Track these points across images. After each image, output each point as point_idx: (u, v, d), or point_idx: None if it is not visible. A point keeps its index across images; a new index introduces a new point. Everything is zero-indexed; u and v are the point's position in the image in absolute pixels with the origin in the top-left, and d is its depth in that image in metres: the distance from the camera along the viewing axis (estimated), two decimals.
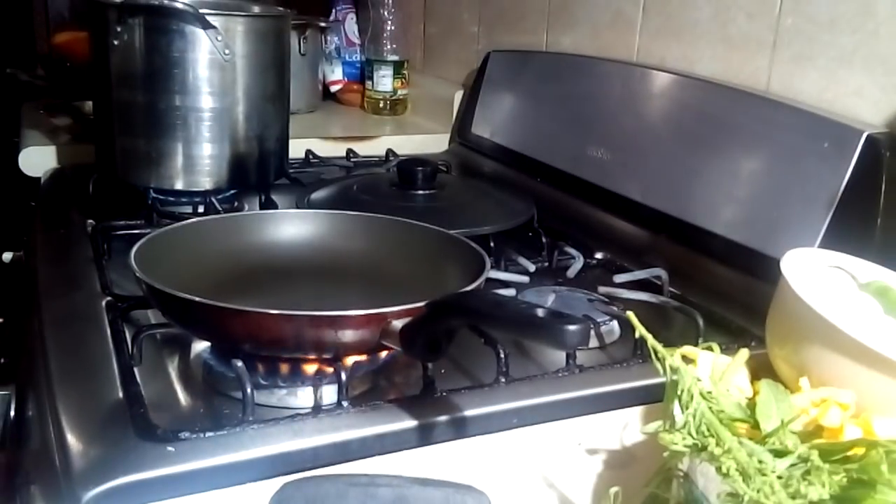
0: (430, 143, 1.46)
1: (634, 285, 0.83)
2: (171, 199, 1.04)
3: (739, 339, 0.72)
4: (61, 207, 1.02)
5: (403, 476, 0.48)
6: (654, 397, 0.60)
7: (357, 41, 1.76)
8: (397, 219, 0.78)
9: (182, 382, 0.63)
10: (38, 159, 1.21)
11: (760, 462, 0.41)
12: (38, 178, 1.18)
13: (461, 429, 0.58)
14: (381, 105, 1.62)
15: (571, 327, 0.44)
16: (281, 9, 1.09)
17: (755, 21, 0.92)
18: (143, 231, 0.84)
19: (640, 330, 0.51)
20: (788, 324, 0.57)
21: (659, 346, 0.49)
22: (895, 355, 0.49)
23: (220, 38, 0.97)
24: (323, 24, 1.65)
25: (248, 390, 0.55)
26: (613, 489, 0.49)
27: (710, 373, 0.53)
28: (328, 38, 1.71)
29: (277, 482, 0.50)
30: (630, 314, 0.53)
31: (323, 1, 1.78)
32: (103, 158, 1.06)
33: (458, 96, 1.47)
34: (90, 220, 0.93)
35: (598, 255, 0.93)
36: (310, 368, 0.60)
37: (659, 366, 0.49)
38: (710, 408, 0.45)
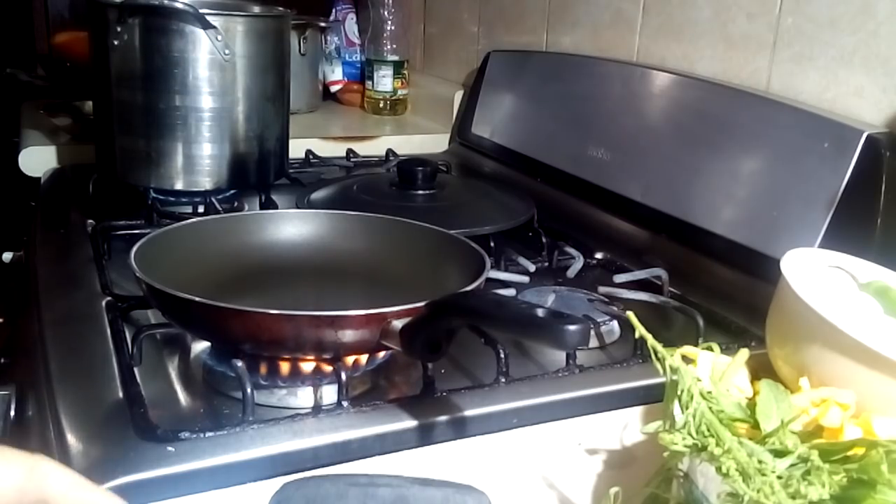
0: (430, 143, 1.46)
1: (634, 285, 0.83)
2: (171, 199, 1.04)
3: (739, 339, 0.72)
4: (61, 207, 1.02)
5: (403, 476, 0.48)
6: (654, 397, 0.60)
7: (357, 41, 1.76)
8: (397, 219, 0.78)
9: (182, 382, 0.63)
10: (38, 159, 1.21)
11: (760, 462, 0.41)
12: (38, 178, 1.18)
13: (461, 429, 0.58)
14: (381, 105, 1.62)
15: (571, 327, 0.44)
16: (281, 9, 1.09)
17: (755, 21, 0.92)
18: (143, 231, 0.84)
19: (640, 330, 0.51)
20: (788, 324, 0.57)
21: (659, 346, 0.49)
22: (895, 355, 0.49)
23: (220, 38, 0.97)
24: (323, 24, 1.65)
25: (248, 390, 0.55)
26: (613, 489, 0.49)
27: (710, 373, 0.53)
28: (328, 38, 1.71)
29: (277, 482, 0.50)
30: (630, 314, 0.53)
31: (323, 1, 1.78)
32: (103, 158, 1.06)
33: (458, 96, 1.47)
34: (90, 220, 0.93)
35: (598, 255, 0.93)
36: (310, 368, 0.60)
37: (659, 366, 0.49)
38: (710, 408, 0.45)
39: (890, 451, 0.41)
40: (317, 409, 0.59)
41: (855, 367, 0.50)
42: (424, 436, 0.57)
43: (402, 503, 0.45)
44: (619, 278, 0.85)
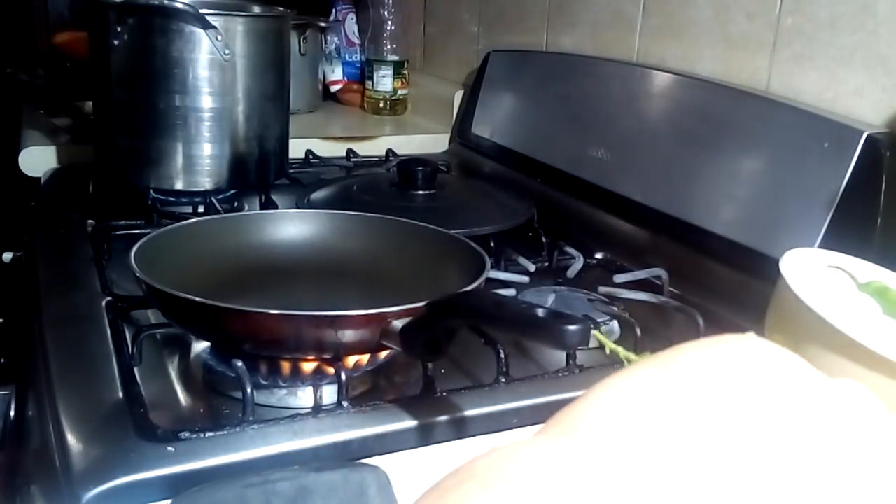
0: (430, 143, 1.46)
1: (634, 285, 0.83)
2: (171, 199, 1.04)
3: None
4: (61, 207, 1.02)
5: (294, 467, 0.48)
6: None
7: (357, 41, 1.76)
8: (397, 219, 0.78)
9: (182, 382, 0.63)
10: (38, 159, 1.21)
11: None
12: (38, 178, 1.18)
13: (461, 429, 0.59)
14: (381, 105, 1.62)
15: (571, 327, 0.44)
16: (281, 9, 1.09)
17: (755, 21, 0.92)
18: (143, 231, 0.84)
19: (610, 345, 0.51)
20: (787, 324, 0.57)
21: (632, 356, 0.49)
22: (894, 355, 0.49)
23: (220, 38, 0.97)
24: (323, 24, 1.65)
25: (248, 390, 0.55)
26: None
27: None
28: (328, 38, 1.71)
29: None
30: (596, 333, 0.53)
31: (323, 1, 1.78)
32: (103, 158, 1.06)
33: (458, 96, 1.47)
34: (90, 220, 0.93)
35: (598, 255, 0.93)
36: (310, 368, 0.60)
37: None
38: None
39: None
40: (317, 409, 0.59)
41: (853, 368, 0.50)
42: (424, 436, 0.57)
43: (305, 493, 0.45)
44: (619, 278, 0.85)
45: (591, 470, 0.22)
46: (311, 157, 1.30)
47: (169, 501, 0.50)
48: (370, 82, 1.62)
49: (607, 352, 0.51)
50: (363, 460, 0.55)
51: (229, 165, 1.02)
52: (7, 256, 1.12)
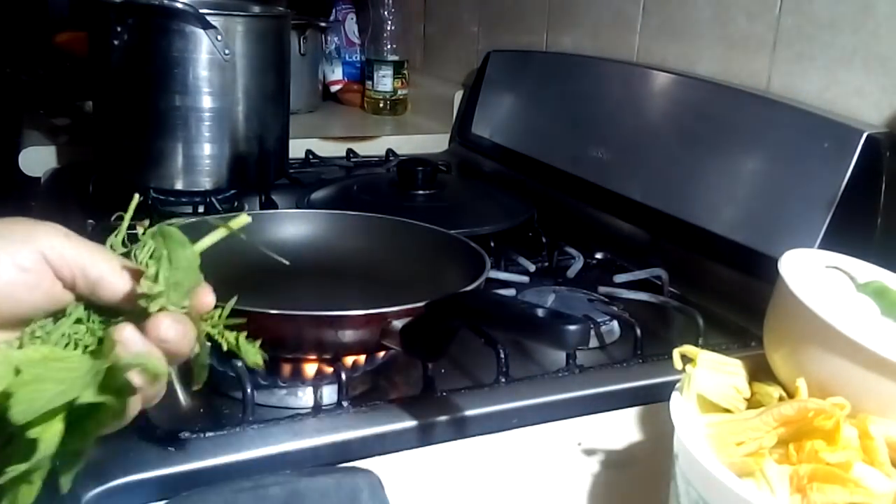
0: (430, 143, 1.46)
1: (634, 285, 0.83)
2: (171, 199, 1.04)
3: (739, 339, 0.72)
4: (61, 207, 1.02)
5: (288, 472, 0.47)
6: (654, 397, 0.60)
7: (357, 41, 1.76)
8: (397, 219, 0.78)
9: (182, 382, 0.63)
10: (38, 159, 1.21)
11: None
12: (38, 178, 1.18)
13: (461, 429, 0.59)
14: (381, 105, 1.62)
15: (571, 327, 0.44)
16: (281, 9, 1.10)
17: (755, 21, 0.92)
18: None
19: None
20: (786, 324, 0.57)
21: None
22: (892, 356, 0.49)
23: (220, 38, 0.97)
24: (323, 24, 1.65)
25: (248, 390, 0.55)
26: None
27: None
28: (328, 38, 1.71)
29: None
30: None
31: (323, 1, 1.78)
32: (103, 158, 1.06)
33: (458, 96, 1.47)
34: (90, 220, 0.93)
35: (598, 255, 0.93)
36: (310, 368, 0.60)
37: None
38: None
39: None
40: (317, 409, 0.59)
41: (852, 368, 0.50)
42: (424, 436, 0.57)
43: (296, 498, 0.44)
44: (619, 278, 0.85)
45: None
46: (311, 157, 1.30)
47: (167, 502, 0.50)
48: (370, 82, 1.62)
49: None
50: (363, 461, 0.55)
51: (229, 165, 1.02)
52: None
